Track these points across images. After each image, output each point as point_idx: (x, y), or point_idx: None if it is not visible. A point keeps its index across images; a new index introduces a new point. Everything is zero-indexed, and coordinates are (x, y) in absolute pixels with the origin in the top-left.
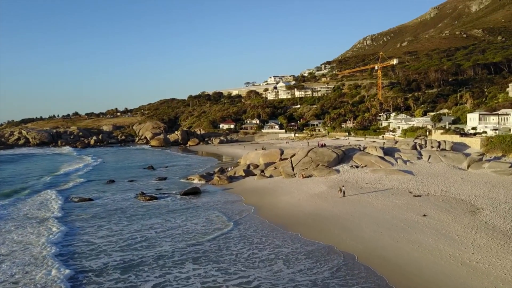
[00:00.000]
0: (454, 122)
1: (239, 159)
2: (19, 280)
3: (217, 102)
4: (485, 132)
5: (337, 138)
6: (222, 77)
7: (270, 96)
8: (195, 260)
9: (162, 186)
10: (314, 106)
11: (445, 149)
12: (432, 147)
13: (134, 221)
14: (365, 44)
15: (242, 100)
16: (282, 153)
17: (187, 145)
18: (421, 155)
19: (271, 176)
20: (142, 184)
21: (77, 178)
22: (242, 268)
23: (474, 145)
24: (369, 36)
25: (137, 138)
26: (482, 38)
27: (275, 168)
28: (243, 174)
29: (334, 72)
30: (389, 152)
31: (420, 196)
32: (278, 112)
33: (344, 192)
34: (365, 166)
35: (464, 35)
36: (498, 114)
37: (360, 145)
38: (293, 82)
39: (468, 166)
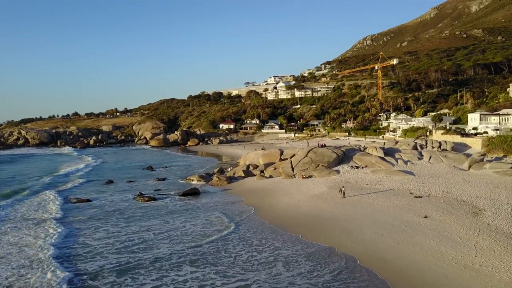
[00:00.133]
0: (455, 122)
1: (239, 159)
2: (13, 284)
3: (217, 102)
4: (486, 133)
5: (337, 138)
6: (222, 77)
7: (270, 96)
8: (193, 263)
9: (161, 187)
10: (314, 106)
11: (446, 150)
12: (433, 147)
13: (132, 223)
14: (365, 44)
15: (242, 100)
16: (282, 153)
17: (187, 145)
18: (421, 155)
19: (270, 176)
20: (141, 185)
21: (77, 178)
22: (241, 271)
23: (475, 145)
24: (369, 36)
25: (136, 138)
26: (482, 38)
27: (275, 168)
28: (243, 175)
29: (334, 72)
30: (389, 152)
31: (421, 197)
32: (278, 112)
33: (344, 193)
34: (366, 166)
35: (464, 35)
36: (499, 114)
37: (360, 146)
38: (293, 82)
39: (469, 167)
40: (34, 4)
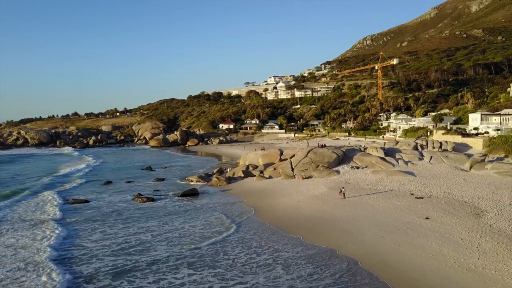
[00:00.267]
0: (455, 122)
1: (238, 159)
2: (7, 287)
3: (216, 102)
4: (487, 133)
5: (337, 139)
6: (222, 77)
7: (270, 96)
8: (191, 265)
9: (160, 187)
10: (314, 106)
11: (447, 150)
12: (433, 147)
13: (130, 224)
14: (365, 44)
15: (242, 100)
16: (281, 153)
17: (186, 145)
18: (422, 155)
19: (270, 177)
20: (139, 185)
21: (76, 179)
22: (240, 274)
23: (476, 145)
24: (369, 36)
25: (136, 138)
26: (482, 38)
27: (275, 169)
28: (242, 175)
29: (334, 72)
30: (390, 152)
31: (422, 198)
32: (278, 112)
33: (344, 194)
34: (366, 167)
35: (464, 35)
36: (500, 114)
37: (360, 146)
38: (293, 82)
39: (471, 167)
40: (34, 4)
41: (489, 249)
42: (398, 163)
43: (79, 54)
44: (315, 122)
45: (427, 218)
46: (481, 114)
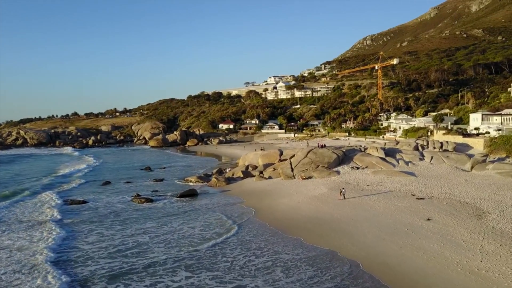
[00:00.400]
0: (456, 122)
1: (238, 159)
2: None
3: (216, 102)
4: (488, 133)
5: (337, 139)
6: (221, 77)
7: (270, 96)
8: (189, 268)
9: (159, 188)
10: (314, 106)
11: (447, 150)
12: (434, 148)
13: (128, 225)
14: (365, 44)
15: (242, 100)
16: (281, 154)
17: (186, 145)
18: (423, 156)
19: (270, 177)
20: (138, 186)
21: (76, 179)
22: (238, 277)
23: (477, 146)
24: (369, 36)
25: (135, 139)
26: (482, 38)
27: (274, 169)
28: (242, 176)
29: (334, 72)
30: (390, 153)
31: (423, 198)
32: (278, 112)
33: (344, 195)
34: (366, 167)
35: (464, 35)
36: (501, 114)
37: (360, 146)
38: (293, 82)
39: (472, 168)
40: (34, 4)
41: (492, 252)
42: (398, 163)
43: (79, 54)
44: (315, 122)
45: (428, 220)
46: (482, 114)
